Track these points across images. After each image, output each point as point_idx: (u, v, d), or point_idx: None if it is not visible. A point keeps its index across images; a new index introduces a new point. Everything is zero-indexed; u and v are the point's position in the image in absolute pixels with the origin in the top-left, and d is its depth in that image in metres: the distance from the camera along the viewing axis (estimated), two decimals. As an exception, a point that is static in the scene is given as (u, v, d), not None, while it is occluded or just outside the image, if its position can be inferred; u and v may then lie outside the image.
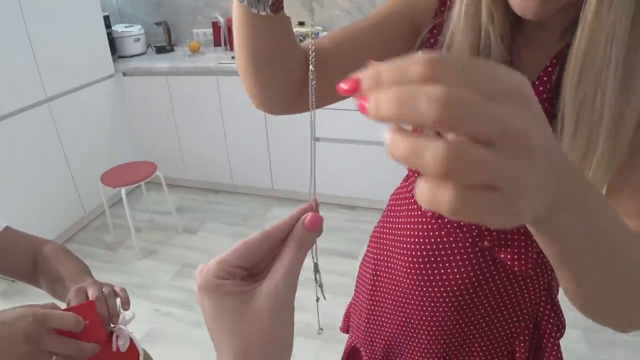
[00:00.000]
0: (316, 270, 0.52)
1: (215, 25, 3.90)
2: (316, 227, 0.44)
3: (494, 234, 0.76)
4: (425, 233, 0.87)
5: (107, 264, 3.03)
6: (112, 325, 0.89)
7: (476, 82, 0.29)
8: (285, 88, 0.72)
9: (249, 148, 3.51)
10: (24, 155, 2.87)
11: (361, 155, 3.21)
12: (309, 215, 0.45)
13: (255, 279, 0.44)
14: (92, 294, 0.88)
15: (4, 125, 2.72)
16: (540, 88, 0.67)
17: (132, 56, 3.90)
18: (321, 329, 0.56)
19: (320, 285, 0.53)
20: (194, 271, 2.70)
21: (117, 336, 0.88)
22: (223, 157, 3.63)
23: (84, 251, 3.14)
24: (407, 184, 0.95)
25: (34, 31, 2.85)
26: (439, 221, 0.84)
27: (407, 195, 0.93)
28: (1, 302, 2.73)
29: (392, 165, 0.93)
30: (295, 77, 0.72)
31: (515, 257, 0.77)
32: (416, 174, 0.88)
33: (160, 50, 3.96)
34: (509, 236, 0.77)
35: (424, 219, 0.87)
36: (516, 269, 0.78)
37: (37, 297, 2.58)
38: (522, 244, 0.76)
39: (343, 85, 0.32)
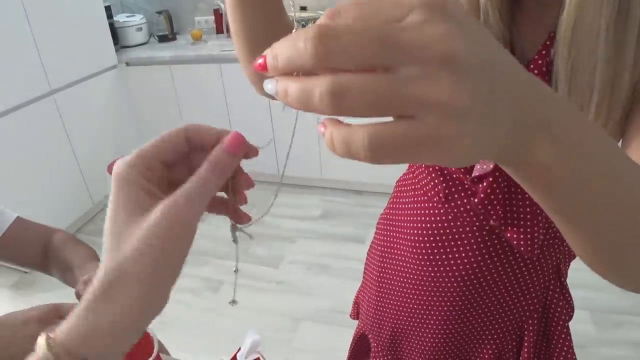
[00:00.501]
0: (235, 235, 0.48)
1: (217, 13, 3.88)
2: (236, 149, 0.40)
3: (500, 212, 0.76)
4: (432, 218, 0.87)
5: (117, 253, 3.05)
6: None
7: (371, 13, 0.28)
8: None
9: (254, 135, 3.47)
10: (31, 148, 2.88)
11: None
12: (230, 134, 0.40)
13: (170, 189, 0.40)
14: None
15: (10, 118, 2.73)
16: (540, 61, 0.66)
17: (134, 46, 3.89)
18: (235, 301, 0.53)
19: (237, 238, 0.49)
20: (202, 258, 2.72)
21: None
22: (228, 145, 3.63)
23: (93, 242, 3.11)
24: (412, 170, 0.95)
25: (37, 24, 2.85)
26: (445, 206, 0.84)
27: (413, 181, 0.93)
28: (13, 293, 2.77)
29: None
30: None
31: (522, 236, 0.76)
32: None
33: (163, 39, 3.94)
34: (515, 215, 0.76)
35: (430, 204, 0.87)
36: (522, 249, 0.77)
37: (49, 288, 2.60)
38: (529, 223, 0.75)
39: (259, 61, 0.31)
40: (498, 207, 0.75)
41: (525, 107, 0.31)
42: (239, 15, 0.68)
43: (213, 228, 3.22)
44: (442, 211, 0.85)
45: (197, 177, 0.39)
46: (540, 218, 0.75)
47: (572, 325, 0.92)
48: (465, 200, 0.81)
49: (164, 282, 0.39)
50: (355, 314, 1.19)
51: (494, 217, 0.76)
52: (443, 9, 0.27)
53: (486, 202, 0.75)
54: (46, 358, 0.34)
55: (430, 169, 0.85)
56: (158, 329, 0.92)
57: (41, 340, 0.34)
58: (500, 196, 0.75)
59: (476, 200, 0.76)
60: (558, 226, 0.42)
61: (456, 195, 0.82)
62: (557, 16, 0.62)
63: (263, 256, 2.90)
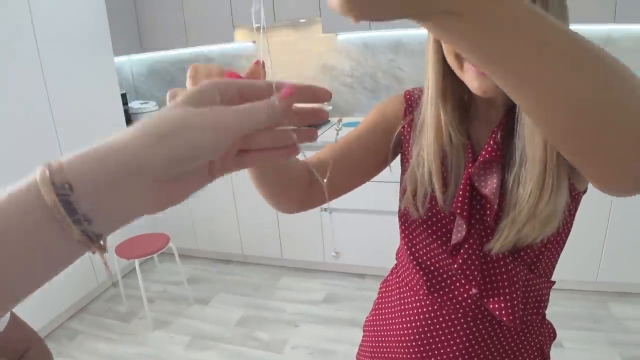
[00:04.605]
0: None
1: (227, 101, 4.06)
2: (288, 97, 0.44)
3: (479, 278, 0.86)
4: (419, 310, 0.95)
5: (120, 335, 3.04)
6: None
7: None
8: (294, 195, 0.89)
9: (259, 218, 3.59)
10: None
11: (370, 224, 3.29)
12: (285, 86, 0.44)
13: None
14: None
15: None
16: (489, 149, 0.84)
17: (146, 131, 4.05)
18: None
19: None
20: (206, 342, 2.72)
21: None
22: (233, 228, 3.71)
23: (98, 322, 3.16)
24: (396, 271, 1.07)
25: (57, 108, 3.03)
26: (430, 297, 0.93)
27: (397, 280, 1.04)
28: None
29: (397, 235, 1.05)
30: (300, 185, 0.88)
31: (502, 305, 0.86)
32: (403, 262, 1.02)
33: (174, 125, 4.11)
34: (493, 285, 0.87)
35: (416, 297, 0.96)
36: (504, 318, 0.85)
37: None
38: (507, 290, 0.86)
39: None
40: (476, 273, 0.86)
41: None
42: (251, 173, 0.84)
43: (214, 311, 3.24)
44: (427, 302, 0.94)
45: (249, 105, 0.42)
46: (517, 286, 0.86)
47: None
48: (447, 290, 0.92)
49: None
50: None
51: (474, 283, 0.86)
52: None
53: (464, 267, 0.86)
54: (43, 175, 0.36)
55: (411, 265, 0.97)
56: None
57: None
58: (477, 262, 0.86)
59: (455, 266, 0.87)
60: (508, 91, 0.44)
61: (437, 286, 0.93)
62: (500, 113, 0.85)
63: (266, 340, 2.89)
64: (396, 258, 1.08)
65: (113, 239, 3.19)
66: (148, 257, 3.02)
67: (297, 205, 0.91)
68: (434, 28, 0.40)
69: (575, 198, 0.84)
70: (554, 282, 0.95)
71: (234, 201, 3.61)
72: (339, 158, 0.93)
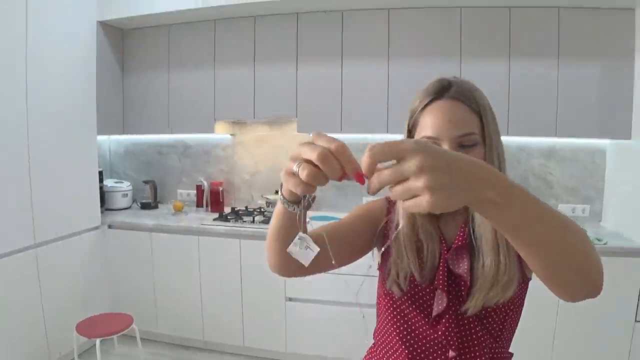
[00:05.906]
0: None
1: (199, 188, 4.22)
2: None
3: (457, 343, 1.05)
4: None
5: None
6: None
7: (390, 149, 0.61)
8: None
9: (223, 306, 3.63)
10: (2, 296, 2.93)
11: (332, 315, 3.38)
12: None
13: None
14: None
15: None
16: (459, 238, 1.09)
17: (117, 209, 4.15)
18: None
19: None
20: None
21: None
22: (196, 313, 3.72)
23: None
24: (373, 349, 1.24)
25: (36, 177, 3.12)
26: None
27: (378, 353, 1.20)
28: None
29: (361, 326, 1.21)
30: None
31: None
32: (381, 340, 1.19)
33: (145, 206, 4.21)
34: (467, 349, 1.06)
35: None
36: None
37: None
38: (477, 354, 1.05)
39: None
40: (456, 338, 1.05)
41: (470, 176, 0.61)
42: (283, 224, 0.97)
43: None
44: None
45: None
46: (485, 350, 1.06)
47: None
48: None
49: None
50: None
51: (453, 347, 1.05)
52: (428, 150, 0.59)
53: (447, 333, 1.05)
54: None
55: (395, 341, 1.13)
56: None
57: None
58: (456, 329, 1.06)
59: (440, 333, 1.06)
60: (517, 247, 0.71)
61: (418, 358, 1.09)
62: (466, 210, 1.09)
63: None
64: (374, 337, 1.24)
65: (72, 315, 3.17)
66: (109, 337, 2.99)
67: (298, 269, 1.01)
68: (478, 211, 0.66)
69: (524, 281, 1.10)
70: (512, 354, 1.15)
71: (199, 286, 3.64)
72: (332, 234, 1.10)
